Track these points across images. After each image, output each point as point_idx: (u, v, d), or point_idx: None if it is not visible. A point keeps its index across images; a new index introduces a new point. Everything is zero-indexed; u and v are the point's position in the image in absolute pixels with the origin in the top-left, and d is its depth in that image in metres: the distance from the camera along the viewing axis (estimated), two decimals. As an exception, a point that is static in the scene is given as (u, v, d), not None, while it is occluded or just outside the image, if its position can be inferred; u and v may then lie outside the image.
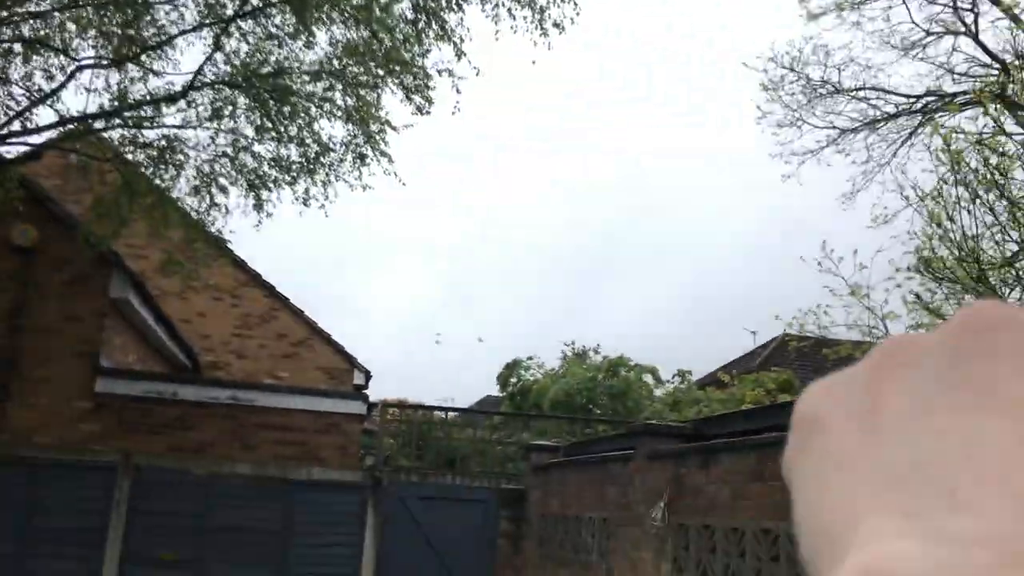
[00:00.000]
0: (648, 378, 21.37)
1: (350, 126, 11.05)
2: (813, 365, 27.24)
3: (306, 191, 11.24)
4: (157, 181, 11.05)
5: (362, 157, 11.17)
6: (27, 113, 10.12)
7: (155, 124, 10.94)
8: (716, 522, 6.48)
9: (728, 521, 6.30)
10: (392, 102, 10.97)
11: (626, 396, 19.65)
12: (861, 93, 16.35)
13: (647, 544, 7.48)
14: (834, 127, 17.03)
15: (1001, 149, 8.18)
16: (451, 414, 15.81)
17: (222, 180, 11.15)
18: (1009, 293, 9.02)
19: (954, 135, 8.29)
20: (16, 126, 10.14)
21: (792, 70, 16.05)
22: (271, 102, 10.79)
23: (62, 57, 10.70)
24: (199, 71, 10.69)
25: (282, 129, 10.94)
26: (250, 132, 10.95)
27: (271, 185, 11.18)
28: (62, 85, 10.64)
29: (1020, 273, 8.82)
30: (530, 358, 22.40)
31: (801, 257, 15.11)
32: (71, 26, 10.70)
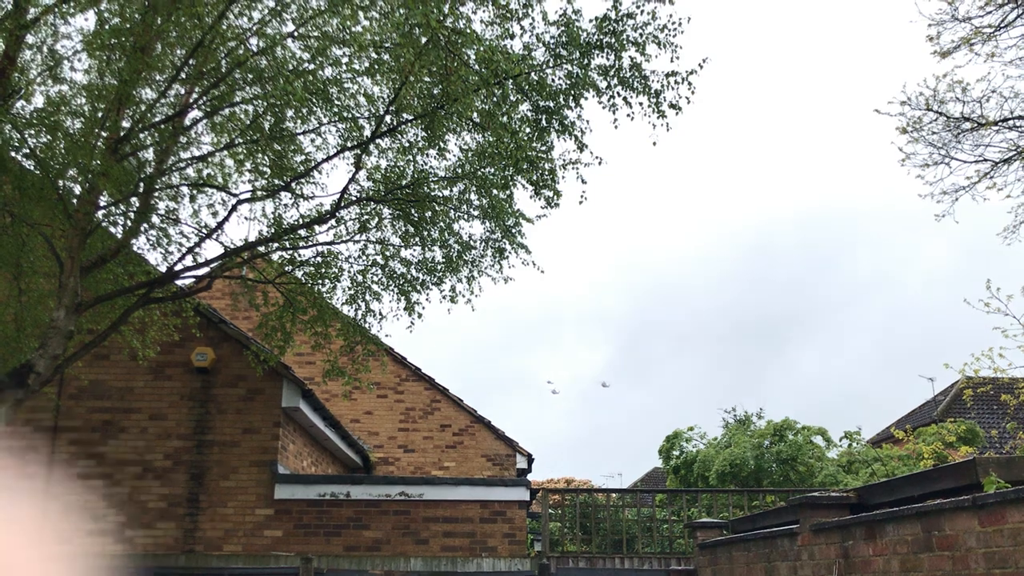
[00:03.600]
0: (818, 440, 20.61)
1: (487, 223, 11.48)
2: (994, 412, 25.48)
3: (452, 289, 11.68)
4: (316, 296, 11.75)
5: (501, 251, 11.55)
6: (196, 247, 11.03)
7: (309, 243, 11.67)
8: (889, 596, 6.24)
9: (901, 595, 6.06)
10: (523, 197, 11.39)
11: (796, 461, 18.99)
12: (1009, 122, 15.67)
13: (822, 622, 7.25)
14: (984, 160, 16.33)
15: None
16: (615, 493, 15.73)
17: (375, 287, 11.75)
18: None
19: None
20: (188, 260, 11.05)
21: (930, 109, 15.57)
22: (412, 211, 11.34)
23: (223, 194, 11.63)
24: (345, 190, 11.40)
25: (425, 234, 11.47)
26: (396, 240, 11.54)
27: (419, 287, 11.69)
28: (225, 219, 11.52)
29: None
30: (691, 429, 22.04)
31: (965, 300, 14.44)
32: (229, 162, 11.65)
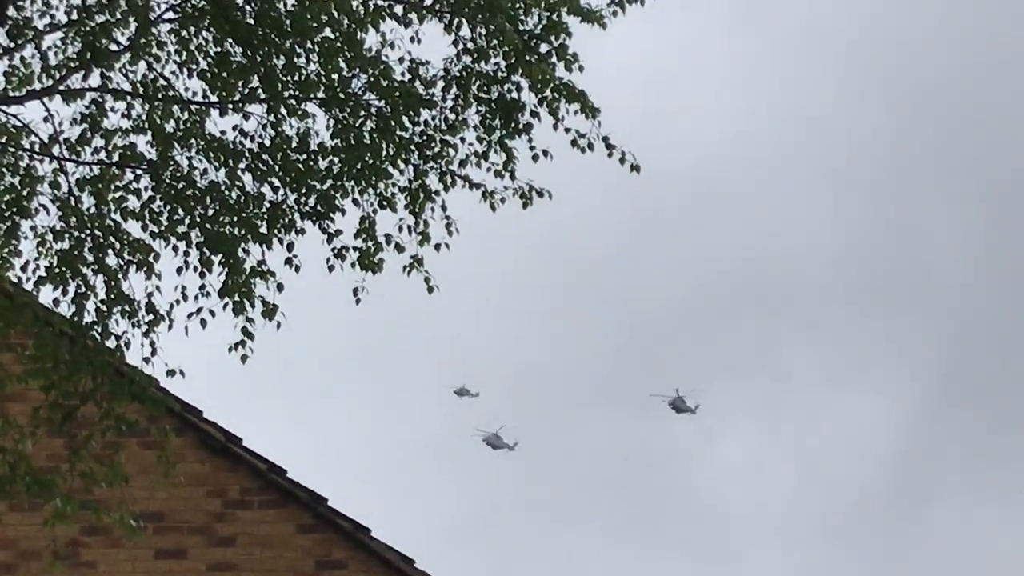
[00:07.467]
0: None
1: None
2: None
3: (366, 225, 4.50)
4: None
5: (507, 110, 4.49)
6: None
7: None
8: None
9: None
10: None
11: None
12: None
13: None
14: None
15: None
16: None
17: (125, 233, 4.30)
18: None
19: None
20: None
21: None
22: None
23: None
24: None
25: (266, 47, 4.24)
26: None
27: (267, 218, 4.41)
28: None
29: None
30: None
31: None
32: None
